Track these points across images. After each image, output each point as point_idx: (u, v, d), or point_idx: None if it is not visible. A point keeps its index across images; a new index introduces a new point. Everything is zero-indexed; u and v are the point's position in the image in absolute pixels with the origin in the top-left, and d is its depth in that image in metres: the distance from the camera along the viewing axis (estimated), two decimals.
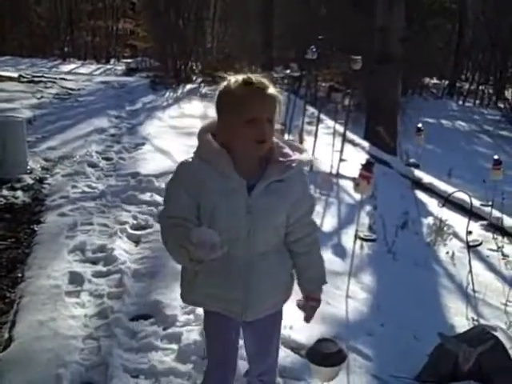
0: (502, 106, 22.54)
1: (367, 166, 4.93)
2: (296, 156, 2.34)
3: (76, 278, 4.52)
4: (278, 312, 2.68)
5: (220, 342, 2.55)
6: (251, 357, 2.77)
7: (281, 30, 23.67)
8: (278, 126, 2.36)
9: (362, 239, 6.00)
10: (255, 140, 2.24)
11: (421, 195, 8.51)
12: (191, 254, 2.03)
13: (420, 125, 9.79)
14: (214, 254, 2.02)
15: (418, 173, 9.41)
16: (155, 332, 3.85)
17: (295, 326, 4.06)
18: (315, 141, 8.61)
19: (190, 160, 2.33)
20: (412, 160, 10.17)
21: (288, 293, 2.66)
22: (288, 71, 10.92)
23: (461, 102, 25.62)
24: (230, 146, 2.28)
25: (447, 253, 6.33)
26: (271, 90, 2.27)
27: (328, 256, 5.62)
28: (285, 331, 3.98)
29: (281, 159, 2.31)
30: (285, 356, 3.72)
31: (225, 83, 2.30)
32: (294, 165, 2.31)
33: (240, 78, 2.27)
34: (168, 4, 18.02)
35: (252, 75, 2.29)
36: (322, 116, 10.29)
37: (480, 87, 26.47)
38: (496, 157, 7.56)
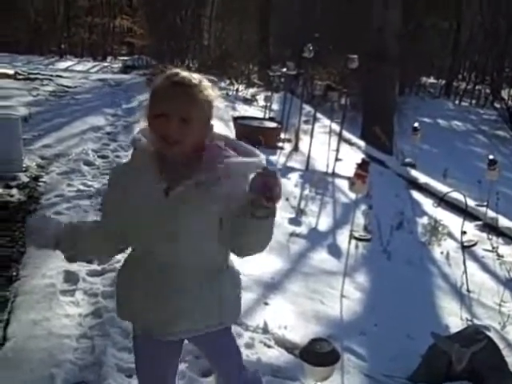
0: (498, 106, 22.54)
1: (363, 166, 4.94)
2: (235, 159, 2.10)
3: (71, 277, 4.51)
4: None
5: (149, 372, 2.40)
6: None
7: (278, 28, 23.68)
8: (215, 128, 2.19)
9: (357, 239, 6.01)
10: (161, 137, 2.07)
11: (416, 195, 8.53)
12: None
13: (416, 124, 9.81)
14: (44, 242, 2.08)
15: (413, 172, 9.43)
16: None
17: (289, 325, 4.07)
18: (311, 140, 8.62)
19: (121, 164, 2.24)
20: (408, 160, 10.19)
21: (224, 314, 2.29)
22: (285, 69, 10.94)
23: (457, 102, 25.64)
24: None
25: (442, 253, 6.35)
26: (195, 89, 2.10)
27: (323, 256, 5.64)
28: (279, 331, 4.00)
29: (211, 162, 2.07)
30: (279, 356, 3.73)
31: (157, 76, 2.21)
32: (223, 167, 2.05)
33: (171, 72, 2.16)
34: (166, 1, 18.00)
35: (184, 72, 2.16)
36: (319, 115, 10.30)
37: (476, 87, 26.50)
38: (491, 157, 7.58)
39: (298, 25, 19.85)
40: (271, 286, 4.70)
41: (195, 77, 2.15)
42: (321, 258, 5.58)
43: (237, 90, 15.25)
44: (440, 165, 10.82)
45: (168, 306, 2.16)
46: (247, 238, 2.01)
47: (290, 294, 4.66)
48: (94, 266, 4.80)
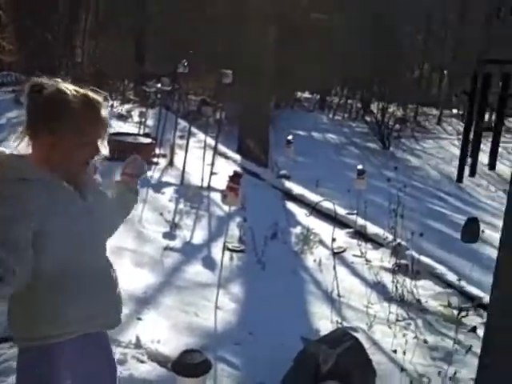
0: (368, 119, 23.56)
1: (234, 178, 5.02)
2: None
3: None
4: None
5: None
6: None
7: (154, 44, 23.58)
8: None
9: (231, 250, 6.09)
10: (86, 160, 2.18)
11: (291, 206, 8.74)
12: None
13: (290, 137, 10.07)
14: None
15: (288, 184, 9.67)
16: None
17: (162, 339, 4.06)
18: (186, 154, 8.65)
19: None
20: (283, 171, 10.44)
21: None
22: (159, 85, 10.92)
23: (331, 116, 26.58)
24: (54, 165, 2.11)
25: (315, 260, 6.55)
26: (105, 111, 2.20)
27: (197, 268, 5.67)
28: (152, 345, 3.97)
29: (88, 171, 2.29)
30: (151, 370, 3.71)
31: (59, 97, 2.10)
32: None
33: (78, 94, 2.13)
34: (35, 17, 17.49)
35: (90, 92, 2.17)
36: (194, 130, 10.36)
37: (348, 101, 27.60)
38: (360, 167, 7.91)
39: (175, 40, 19.85)
40: (144, 301, 4.67)
41: (99, 98, 2.19)
42: (195, 270, 5.61)
43: (111, 107, 15.04)
44: (314, 176, 11.13)
45: (111, 303, 2.33)
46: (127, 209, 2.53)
47: (163, 307, 4.65)
48: None
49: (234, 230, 6.63)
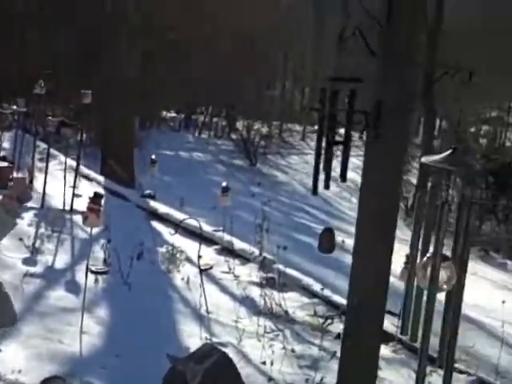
0: (234, 136, 23.93)
1: (95, 199, 4.92)
2: None
3: None
4: None
5: None
6: None
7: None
8: None
9: (95, 273, 5.94)
10: None
11: (157, 225, 8.67)
12: None
13: (153, 156, 10.01)
14: None
15: (153, 203, 9.59)
16: None
17: (23, 368, 3.89)
18: (46, 177, 8.36)
19: None
20: (148, 191, 10.34)
21: None
22: (15, 107, 10.50)
23: (197, 134, 26.73)
24: None
25: (182, 278, 6.52)
26: None
27: (60, 293, 5.49)
28: (12, 375, 3.80)
29: None
30: None
31: None
32: None
33: None
34: None
35: None
36: (55, 152, 10.04)
37: (214, 119, 27.87)
38: (224, 184, 8.01)
39: (32, 60, 19.17)
40: (3, 331, 4.43)
41: None
42: (58, 295, 5.42)
43: None
44: (181, 194, 11.14)
45: None
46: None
47: (24, 336, 4.45)
48: None
49: (98, 252, 6.47)
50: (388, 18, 2.56)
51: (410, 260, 2.67)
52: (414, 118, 28.31)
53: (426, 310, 2.57)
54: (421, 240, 2.66)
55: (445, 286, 2.57)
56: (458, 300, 2.61)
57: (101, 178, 11.02)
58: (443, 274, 2.54)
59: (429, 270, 2.54)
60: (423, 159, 2.57)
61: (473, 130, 28.11)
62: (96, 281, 5.86)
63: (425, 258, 2.60)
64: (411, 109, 2.61)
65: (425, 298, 2.65)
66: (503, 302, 5.70)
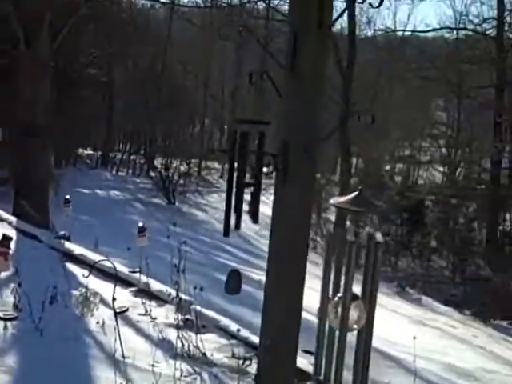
0: (152, 174, 23.75)
1: (3, 242, 4.78)
2: None
3: None
4: None
5: None
6: None
7: None
8: None
9: (3, 319, 5.70)
10: None
11: (72, 267, 8.43)
12: None
13: (68, 196, 9.81)
14: None
15: (68, 245, 9.34)
16: None
17: None
18: None
19: None
20: (62, 232, 10.08)
21: None
22: None
23: (115, 172, 26.38)
24: None
25: (98, 322, 6.34)
26: None
27: None
28: None
29: None
30: None
31: None
32: None
33: None
34: None
35: None
36: None
37: (132, 157, 27.62)
38: (140, 224, 7.91)
39: None
40: None
41: None
42: None
43: None
44: (97, 235, 10.93)
45: None
46: None
47: None
48: None
49: (8, 297, 6.23)
50: (291, 63, 2.62)
51: (321, 300, 2.69)
52: (332, 156, 29.12)
53: (338, 349, 2.59)
54: (331, 280, 2.69)
55: (355, 326, 2.61)
56: (368, 337, 2.64)
57: (12, 219, 10.67)
58: (353, 314, 2.58)
59: (339, 309, 2.57)
60: (331, 200, 2.63)
61: (388, 168, 29.02)
62: (5, 327, 5.62)
63: (336, 298, 2.63)
64: (318, 149, 2.66)
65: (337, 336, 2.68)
66: (414, 337, 5.85)
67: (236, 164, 2.71)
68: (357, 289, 2.69)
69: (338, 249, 2.66)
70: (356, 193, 2.59)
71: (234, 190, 2.83)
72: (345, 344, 2.59)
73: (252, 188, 2.81)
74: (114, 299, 5.63)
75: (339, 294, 2.63)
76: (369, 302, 2.61)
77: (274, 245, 2.76)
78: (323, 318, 2.70)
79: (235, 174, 2.73)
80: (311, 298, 3.12)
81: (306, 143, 2.64)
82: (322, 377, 2.74)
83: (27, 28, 11.73)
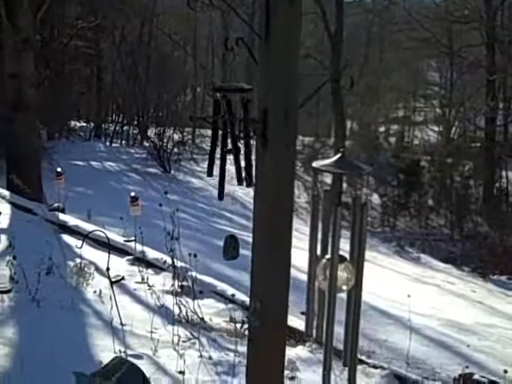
0: (147, 144, 23.64)
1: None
2: None
3: None
4: None
5: None
6: None
7: None
8: None
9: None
10: None
11: (67, 238, 8.41)
12: None
13: (59, 169, 9.73)
14: None
15: (62, 216, 9.30)
16: None
17: None
18: None
19: None
20: (56, 204, 10.03)
21: None
22: None
23: (108, 143, 26.24)
24: None
25: (95, 292, 6.34)
26: None
27: None
28: None
29: None
30: None
31: None
32: None
33: None
34: None
35: None
36: None
37: (125, 128, 27.42)
38: (132, 194, 7.89)
39: None
40: None
41: None
42: None
43: None
44: (92, 205, 10.89)
45: None
46: None
47: None
48: None
49: (4, 270, 6.21)
50: (266, 31, 2.57)
51: (308, 262, 2.66)
52: (327, 120, 29.03)
53: (328, 310, 2.56)
54: (319, 242, 2.66)
55: (344, 287, 2.58)
56: (357, 298, 2.62)
57: (6, 193, 10.62)
58: (341, 275, 2.55)
59: (327, 271, 2.55)
60: (314, 164, 2.58)
61: (383, 129, 28.91)
62: (1, 300, 5.62)
63: (323, 260, 2.60)
64: (296, 115, 2.64)
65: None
66: (408, 295, 5.90)
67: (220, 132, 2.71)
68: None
69: (324, 210, 2.62)
70: (338, 155, 2.55)
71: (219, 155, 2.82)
72: (334, 305, 2.57)
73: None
74: (107, 268, 5.61)
75: (327, 256, 2.60)
76: (357, 265, 2.59)
77: (259, 207, 2.73)
78: (311, 281, 2.68)
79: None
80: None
81: (285, 109, 2.60)
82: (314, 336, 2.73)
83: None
